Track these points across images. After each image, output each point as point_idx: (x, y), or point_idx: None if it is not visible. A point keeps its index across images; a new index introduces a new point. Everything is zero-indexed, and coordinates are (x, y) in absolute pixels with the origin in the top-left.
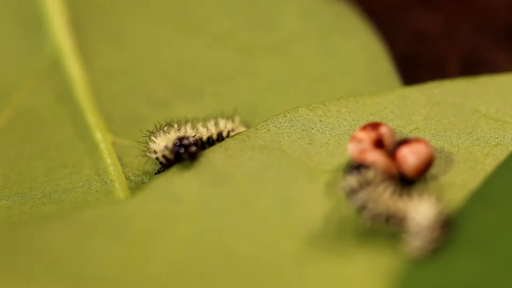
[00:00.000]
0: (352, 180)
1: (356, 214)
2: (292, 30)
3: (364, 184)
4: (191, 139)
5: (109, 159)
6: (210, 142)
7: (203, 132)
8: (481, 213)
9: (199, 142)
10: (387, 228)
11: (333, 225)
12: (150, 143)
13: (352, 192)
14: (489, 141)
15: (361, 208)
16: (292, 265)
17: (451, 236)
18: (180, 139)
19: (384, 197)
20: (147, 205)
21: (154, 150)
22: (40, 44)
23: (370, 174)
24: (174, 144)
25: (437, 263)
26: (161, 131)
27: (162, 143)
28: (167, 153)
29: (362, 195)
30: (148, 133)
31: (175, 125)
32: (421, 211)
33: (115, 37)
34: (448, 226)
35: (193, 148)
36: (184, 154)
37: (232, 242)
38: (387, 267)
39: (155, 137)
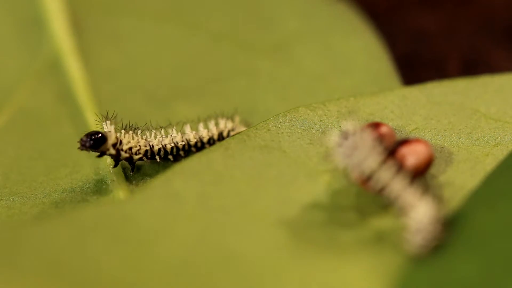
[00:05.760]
0: (338, 133)
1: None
2: (292, 30)
3: (350, 135)
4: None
5: (109, 159)
6: (211, 142)
7: (204, 133)
8: (481, 213)
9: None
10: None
11: (333, 225)
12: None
13: (339, 145)
14: (489, 141)
15: (347, 158)
16: (291, 265)
17: (451, 235)
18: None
19: (374, 153)
20: (147, 205)
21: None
22: (40, 44)
23: (354, 128)
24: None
25: (437, 262)
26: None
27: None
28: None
29: (348, 143)
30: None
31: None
32: (421, 210)
33: (115, 37)
34: (448, 226)
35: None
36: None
37: (232, 242)
38: (387, 267)
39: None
